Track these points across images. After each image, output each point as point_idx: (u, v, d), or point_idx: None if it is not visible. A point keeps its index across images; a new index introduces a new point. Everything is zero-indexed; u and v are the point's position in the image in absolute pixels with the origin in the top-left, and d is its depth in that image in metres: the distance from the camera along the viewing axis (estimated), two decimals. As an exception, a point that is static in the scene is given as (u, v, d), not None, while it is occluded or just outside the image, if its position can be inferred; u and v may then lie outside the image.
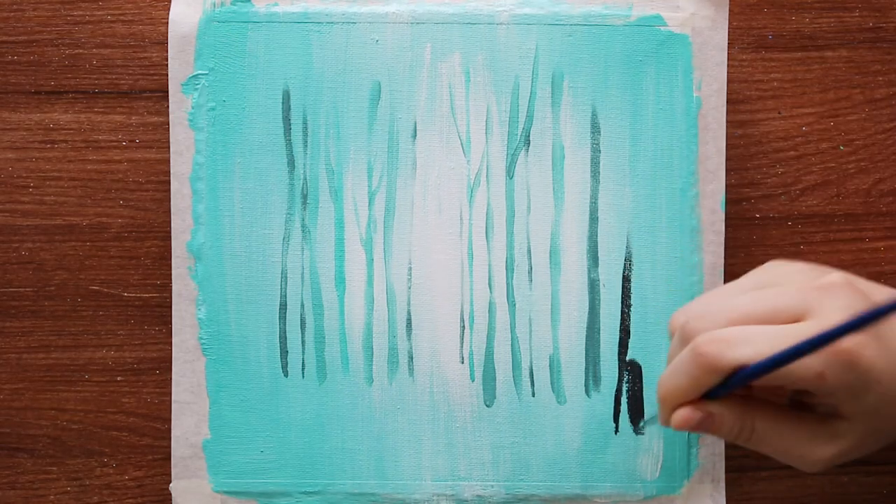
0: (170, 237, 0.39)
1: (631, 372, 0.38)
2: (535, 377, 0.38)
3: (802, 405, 0.33)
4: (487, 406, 0.38)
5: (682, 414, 0.31)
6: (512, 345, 0.38)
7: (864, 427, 0.30)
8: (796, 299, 0.30)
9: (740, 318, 0.30)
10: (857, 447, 0.31)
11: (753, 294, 0.31)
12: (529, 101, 0.38)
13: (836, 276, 0.30)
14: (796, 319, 0.30)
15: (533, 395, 0.38)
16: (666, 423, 0.32)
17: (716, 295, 0.33)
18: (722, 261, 0.38)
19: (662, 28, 0.38)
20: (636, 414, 0.38)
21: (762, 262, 0.38)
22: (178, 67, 0.38)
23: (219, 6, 0.38)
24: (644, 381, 0.38)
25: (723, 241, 0.38)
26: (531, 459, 0.38)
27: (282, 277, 0.38)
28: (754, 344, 0.29)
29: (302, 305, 0.38)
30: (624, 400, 0.38)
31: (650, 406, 0.38)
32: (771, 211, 0.39)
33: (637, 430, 0.38)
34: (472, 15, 0.38)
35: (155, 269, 0.39)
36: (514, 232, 0.38)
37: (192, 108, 0.38)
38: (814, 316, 0.29)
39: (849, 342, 0.28)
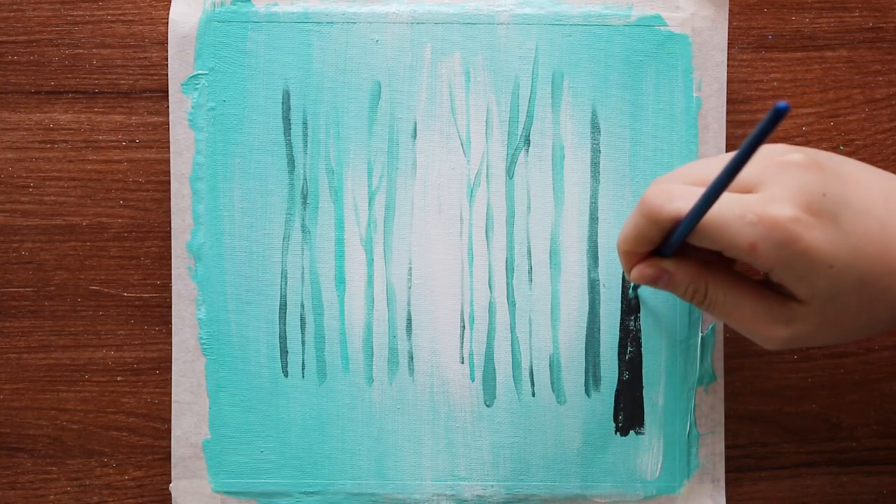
0: (170, 237, 0.39)
1: (631, 372, 0.38)
2: (535, 377, 0.38)
3: (771, 285, 0.32)
4: (487, 406, 0.38)
5: (638, 269, 0.32)
6: (512, 345, 0.38)
7: (821, 313, 0.29)
8: (751, 171, 0.29)
9: (694, 182, 0.30)
10: (813, 333, 0.30)
11: (713, 160, 0.32)
12: (529, 101, 0.38)
13: (798, 154, 0.29)
14: (748, 190, 0.29)
15: (533, 395, 0.38)
16: (629, 277, 0.33)
17: (688, 163, 0.33)
18: (722, 261, 0.38)
19: (662, 28, 0.38)
20: (636, 414, 0.38)
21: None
22: (178, 67, 0.38)
23: (219, 6, 0.38)
24: (644, 381, 0.38)
25: (723, 241, 0.38)
26: (531, 459, 0.38)
27: (282, 277, 0.38)
28: (692, 200, 0.29)
29: (302, 305, 0.38)
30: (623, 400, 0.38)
31: (649, 404, 0.38)
32: (771, 211, 0.39)
33: (631, 296, 0.38)
34: (472, 15, 0.38)
35: (155, 269, 0.39)
36: (514, 232, 0.38)
37: (192, 108, 0.38)
38: (763, 189, 0.29)
39: (786, 218, 0.28)
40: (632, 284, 0.38)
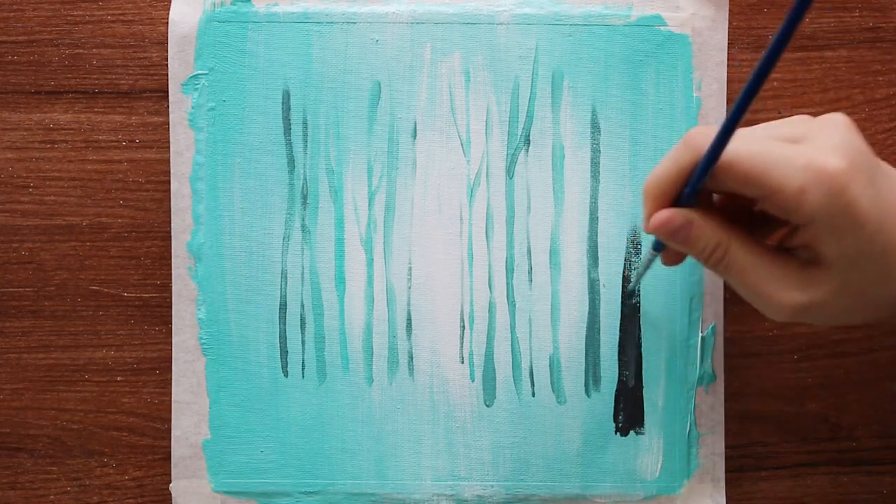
0: (170, 237, 0.39)
1: (631, 372, 0.38)
2: (535, 377, 0.38)
3: (785, 252, 0.31)
4: (487, 406, 0.38)
5: (664, 214, 0.30)
6: (512, 345, 0.38)
7: (840, 280, 0.29)
8: (796, 128, 0.30)
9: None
10: (827, 303, 0.30)
11: (763, 125, 0.31)
12: (529, 101, 0.38)
13: (840, 115, 0.30)
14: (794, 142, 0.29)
15: (533, 395, 0.38)
16: (647, 226, 0.31)
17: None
18: (722, 261, 0.38)
19: (662, 28, 0.38)
20: (636, 414, 0.38)
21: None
22: (178, 67, 0.38)
23: (219, 6, 0.38)
24: (644, 381, 0.38)
25: (723, 241, 0.38)
26: (531, 459, 0.38)
27: (282, 277, 0.38)
28: (735, 139, 0.28)
29: (302, 305, 0.38)
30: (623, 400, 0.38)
31: (649, 404, 0.38)
32: (771, 211, 0.39)
33: (631, 290, 0.38)
34: (472, 15, 0.38)
35: (155, 269, 0.39)
36: (514, 232, 0.38)
37: (192, 108, 0.38)
38: (807, 142, 0.29)
39: (838, 168, 0.28)
40: (632, 277, 0.38)
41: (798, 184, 0.28)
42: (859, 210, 0.28)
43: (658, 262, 0.35)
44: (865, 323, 0.31)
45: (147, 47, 0.39)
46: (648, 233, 0.31)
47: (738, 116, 0.26)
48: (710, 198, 0.32)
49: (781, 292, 0.30)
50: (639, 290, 0.38)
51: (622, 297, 0.38)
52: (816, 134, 0.29)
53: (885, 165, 0.30)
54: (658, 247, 0.33)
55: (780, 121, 0.31)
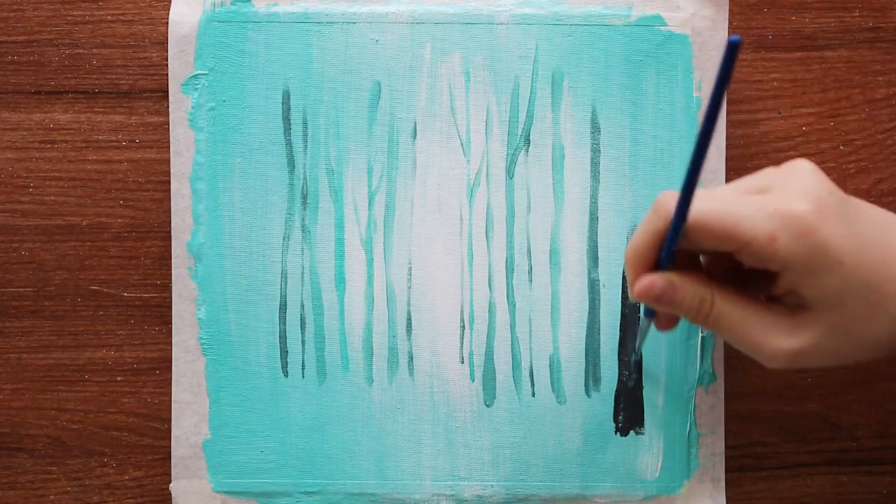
0: (170, 237, 0.39)
1: (631, 372, 0.38)
2: (535, 377, 0.38)
3: (773, 301, 0.32)
4: (487, 406, 0.38)
5: (646, 280, 0.31)
6: (512, 345, 0.38)
7: (829, 320, 0.29)
8: (762, 180, 0.30)
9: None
10: (820, 345, 0.30)
11: (729, 184, 0.32)
12: (529, 101, 0.38)
13: (803, 161, 0.31)
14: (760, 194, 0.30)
15: (533, 395, 0.38)
16: (632, 294, 0.32)
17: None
18: (722, 261, 0.38)
19: (662, 28, 0.38)
20: (636, 414, 0.38)
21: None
22: (178, 67, 0.38)
23: (219, 6, 0.38)
24: (644, 381, 0.38)
25: (723, 241, 0.38)
26: (531, 459, 0.38)
27: (282, 277, 0.38)
28: (701, 199, 0.29)
29: (302, 305, 0.38)
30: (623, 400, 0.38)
31: (649, 404, 0.38)
32: (771, 211, 0.39)
33: (633, 355, 0.38)
34: (472, 15, 0.38)
35: (155, 269, 0.39)
36: (514, 232, 0.38)
37: (192, 108, 0.38)
38: (773, 191, 0.30)
39: (804, 211, 0.28)
40: (635, 347, 0.38)
41: (767, 231, 0.28)
42: (833, 249, 0.28)
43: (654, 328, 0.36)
44: (861, 361, 0.31)
45: (147, 47, 0.39)
46: (634, 300, 0.32)
47: (693, 178, 0.27)
48: (695, 258, 0.33)
49: (772, 340, 0.30)
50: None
51: (622, 297, 0.38)
52: (781, 183, 0.30)
53: (855, 201, 0.31)
54: (649, 313, 0.34)
55: (746, 177, 0.31)
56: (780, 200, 0.29)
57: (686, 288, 0.31)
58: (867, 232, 0.30)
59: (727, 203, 0.29)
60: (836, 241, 0.28)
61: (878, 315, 0.30)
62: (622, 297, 0.38)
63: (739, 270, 0.32)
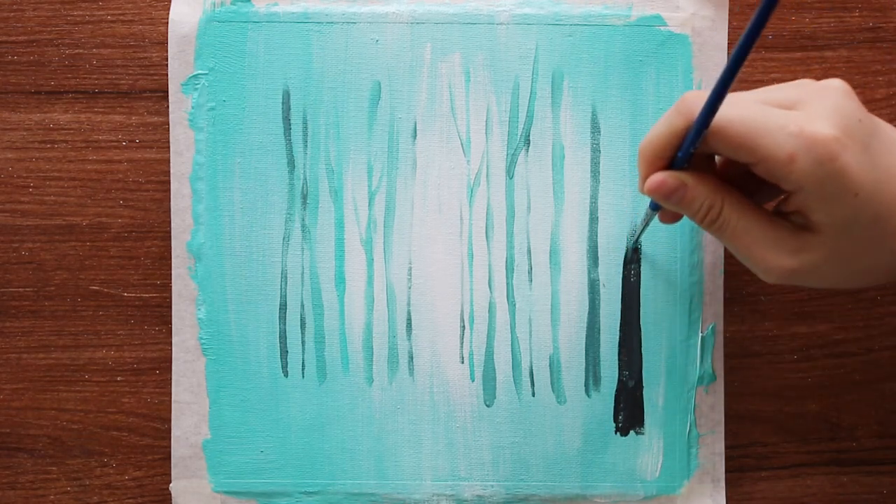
0: (170, 237, 0.39)
1: (631, 372, 0.38)
2: (535, 377, 0.38)
3: (780, 215, 0.31)
4: (487, 406, 0.38)
5: (658, 177, 0.30)
6: (512, 345, 0.38)
7: (832, 246, 0.29)
8: (792, 92, 0.30)
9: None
10: (818, 268, 0.30)
11: (759, 90, 0.31)
12: (529, 101, 0.38)
13: (837, 81, 0.30)
14: (788, 108, 0.29)
15: (533, 395, 0.38)
16: (642, 188, 0.31)
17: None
18: (722, 260, 0.38)
19: (662, 28, 0.38)
20: (636, 414, 0.38)
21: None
22: (178, 67, 0.38)
23: (219, 6, 0.38)
24: (644, 381, 0.38)
25: (723, 241, 0.38)
26: (531, 459, 0.38)
27: (282, 277, 0.38)
28: (726, 104, 0.28)
29: (302, 305, 0.38)
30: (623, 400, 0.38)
31: (649, 404, 0.38)
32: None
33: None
34: (472, 15, 0.38)
35: (155, 269, 0.39)
36: (514, 232, 0.38)
37: (192, 108, 0.38)
38: (801, 108, 0.29)
39: (828, 136, 0.28)
40: (634, 235, 0.38)
41: (787, 151, 0.28)
42: (851, 178, 0.28)
43: (657, 222, 0.36)
44: (859, 287, 0.31)
45: (147, 47, 0.39)
46: (644, 194, 0.31)
47: (727, 82, 0.26)
48: (710, 159, 0.32)
49: (772, 256, 0.30)
50: (638, 281, 0.38)
51: (622, 297, 0.38)
52: (811, 100, 0.29)
53: (886, 129, 0.30)
54: (655, 206, 0.34)
55: (777, 85, 0.31)
56: (807, 120, 0.28)
57: (697, 190, 0.30)
58: (889, 164, 0.29)
59: (752, 114, 0.28)
60: (856, 172, 0.28)
61: (883, 247, 0.29)
62: (622, 297, 0.38)
63: (754, 176, 0.32)
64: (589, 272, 0.38)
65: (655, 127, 0.30)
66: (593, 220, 0.38)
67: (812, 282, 0.30)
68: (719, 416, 0.38)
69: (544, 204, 0.38)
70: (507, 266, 0.38)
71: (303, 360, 0.38)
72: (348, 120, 0.38)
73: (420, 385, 0.38)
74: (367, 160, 0.38)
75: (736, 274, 0.39)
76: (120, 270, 0.39)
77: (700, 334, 0.38)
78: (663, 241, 0.38)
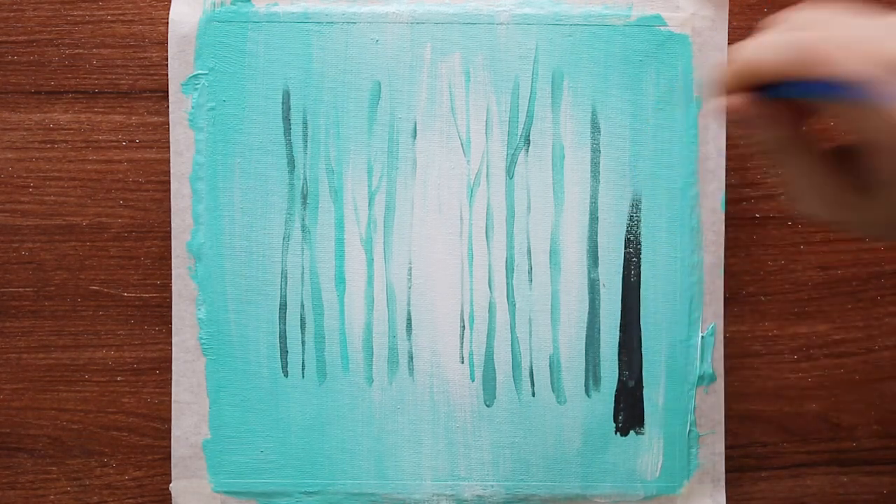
0: (170, 237, 0.39)
1: (631, 372, 0.38)
2: (535, 377, 0.38)
3: (843, 162, 0.30)
4: (487, 406, 0.38)
5: (741, 99, 0.28)
6: (512, 345, 0.38)
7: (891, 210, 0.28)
8: None
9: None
10: (867, 226, 0.29)
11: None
12: (529, 101, 0.38)
13: None
14: None
15: (533, 395, 0.38)
16: (718, 94, 0.29)
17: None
18: (722, 261, 0.38)
19: (662, 28, 0.38)
20: (636, 414, 0.38)
21: (762, 262, 0.38)
22: (178, 67, 0.38)
23: (219, 6, 0.38)
24: (644, 381, 0.38)
25: (723, 241, 0.38)
26: (531, 459, 0.38)
27: (282, 277, 0.38)
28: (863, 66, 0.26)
29: (302, 305, 0.38)
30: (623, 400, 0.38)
31: (649, 404, 0.38)
32: (771, 211, 0.39)
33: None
34: (472, 15, 0.38)
35: (155, 269, 0.39)
36: (514, 232, 0.38)
37: (192, 108, 0.38)
38: None
39: None
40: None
41: None
42: None
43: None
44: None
45: (147, 47, 0.39)
46: (720, 102, 0.29)
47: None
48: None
49: (823, 210, 0.29)
50: (638, 281, 0.38)
51: (622, 297, 0.38)
52: None
53: None
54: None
55: (881, 21, 0.28)
56: None
57: (774, 127, 0.29)
58: None
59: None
60: None
61: None
62: (622, 297, 0.38)
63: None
64: (589, 272, 0.38)
65: (768, 52, 0.28)
66: (593, 220, 0.38)
67: (855, 233, 0.30)
68: (719, 416, 0.38)
69: (544, 204, 0.38)
70: (507, 266, 0.38)
71: (303, 360, 0.38)
72: (348, 120, 0.38)
73: (420, 385, 0.38)
74: (367, 160, 0.38)
75: (736, 274, 0.39)
76: (120, 270, 0.39)
77: (700, 334, 0.38)
78: (663, 241, 0.38)
